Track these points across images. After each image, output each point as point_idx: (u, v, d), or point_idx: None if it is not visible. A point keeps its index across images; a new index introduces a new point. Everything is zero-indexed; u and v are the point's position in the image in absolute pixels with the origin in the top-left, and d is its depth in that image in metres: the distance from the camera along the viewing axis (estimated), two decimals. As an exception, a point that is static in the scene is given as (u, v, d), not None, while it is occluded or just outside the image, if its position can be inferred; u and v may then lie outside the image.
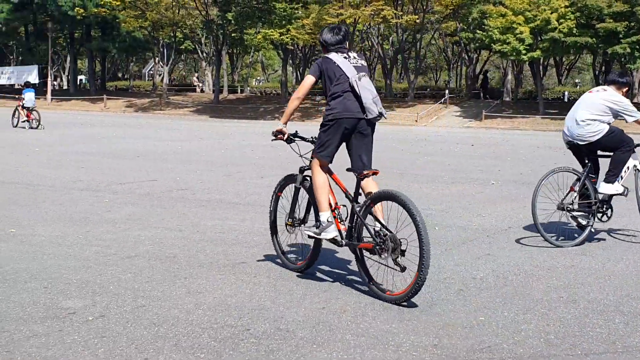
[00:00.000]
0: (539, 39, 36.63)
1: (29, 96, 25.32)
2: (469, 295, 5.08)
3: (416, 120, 37.68)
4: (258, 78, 78.04)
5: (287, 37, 41.36)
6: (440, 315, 4.59)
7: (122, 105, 48.34)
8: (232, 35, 49.31)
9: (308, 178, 5.62)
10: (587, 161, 7.32)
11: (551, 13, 35.34)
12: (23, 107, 25.11)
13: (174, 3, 47.75)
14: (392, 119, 38.49)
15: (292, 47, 48.40)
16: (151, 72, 75.12)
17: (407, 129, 32.46)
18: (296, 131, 5.81)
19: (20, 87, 54.51)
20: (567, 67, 59.31)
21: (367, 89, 5.32)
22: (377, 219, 5.08)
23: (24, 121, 25.06)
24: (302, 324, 4.33)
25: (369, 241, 5.03)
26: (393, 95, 47.01)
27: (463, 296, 5.04)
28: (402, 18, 40.63)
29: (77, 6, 47.04)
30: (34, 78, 51.16)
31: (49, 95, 50.52)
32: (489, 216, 8.47)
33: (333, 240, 5.28)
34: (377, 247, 4.94)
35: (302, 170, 5.74)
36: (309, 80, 5.46)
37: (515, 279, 5.56)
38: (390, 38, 51.87)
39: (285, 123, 5.67)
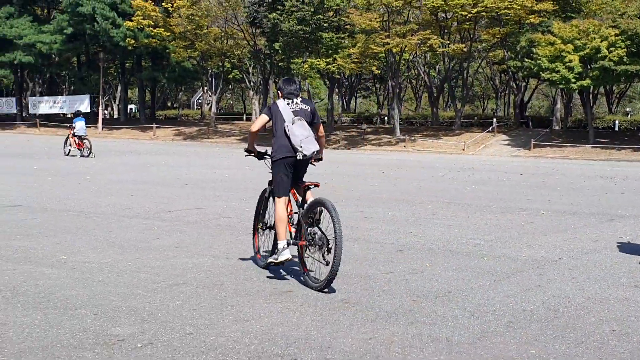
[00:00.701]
0: (589, 67, 36.21)
1: (79, 125, 25.89)
2: (519, 327, 4.98)
3: (463, 149, 37.44)
4: (304, 107, 78.57)
5: (333, 66, 41.63)
6: (489, 348, 4.51)
7: (171, 134, 49.10)
8: (279, 64, 49.87)
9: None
10: None
11: (601, 41, 34.93)
12: (74, 136, 25.68)
13: (222, 34, 48.55)
14: (438, 147, 38.33)
15: (339, 76, 48.68)
16: (199, 101, 76.31)
17: (454, 158, 32.26)
18: (266, 150, 6.79)
19: (72, 116, 55.89)
20: (618, 96, 58.44)
21: (298, 132, 6.27)
22: (311, 225, 6.11)
23: (71, 148, 25.57)
24: (349, 355, 4.30)
25: (309, 239, 6.12)
26: (440, 124, 46.83)
27: (513, 328, 4.95)
28: (449, 47, 40.60)
29: (128, 37, 48.14)
30: (85, 107, 52.37)
31: (100, 124, 51.61)
32: (538, 247, 8.33)
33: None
34: (309, 244, 6.07)
35: (270, 183, 6.77)
36: (263, 118, 6.52)
37: (566, 312, 5.44)
38: (437, 66, 51.83)
39: (251, 149, 6.86)
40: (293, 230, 6.38)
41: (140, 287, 5.86)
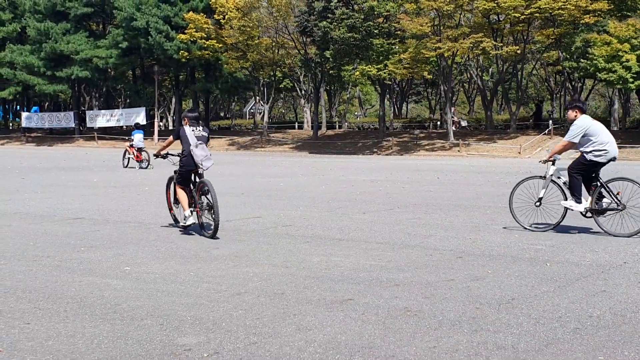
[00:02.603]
0: (647, 66, 35.37)
1: (138, 137, 26.39)
2: (586, 334, 4.89)
3: (519, 152, 36.91)
4: (356, 113, 78.59)
5: (384, 73, 41.53)
6: (556, 356, 4.44)
7: (224, 144, 49.64)
8: (330, 72, 50.00)
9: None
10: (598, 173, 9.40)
11: (659, 39, 34.11)
12: (132, 147, 26.17)
13: (273, 44, 48.92)
14: (493, 151, 37.88)
15: (390, 82, 48.55)
16: (252, 110, 77.00)
17: (510, 162, 31.84)
18: (167, 152, 10.28)
19: (127, 128, 56.95)
20: (678, 94, 56.83)
21: (199, 153, 9.39)
22: (201, 197, 9.46)
23: (130, 160, 26.06)
24: (414, 363, 4.27)
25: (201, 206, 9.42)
26: (494, 127, 46.27)
27: (580, 335, 4.86)
28: (502, 49, 40.10)
29: (181, 50, 48.88)
30: (141, 119, 53.32)
31: (155, 136, 52.47)
32: (602, 251, 8.15)
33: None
34: (202, 209, 9.38)
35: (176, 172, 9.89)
36: (170, 140, 9.86)
37: (634, 317, 5.32)
38: (490, 69, 51.26)
39: (161, 153, 10.39)
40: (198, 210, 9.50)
41: (204, 296, 5.94)
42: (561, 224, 9.77)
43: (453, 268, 7.16)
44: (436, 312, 5.47)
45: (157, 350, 4.50)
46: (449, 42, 38.86)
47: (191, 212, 9.42)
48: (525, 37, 42.17)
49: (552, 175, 9.58)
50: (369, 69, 41.55)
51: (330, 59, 45.49)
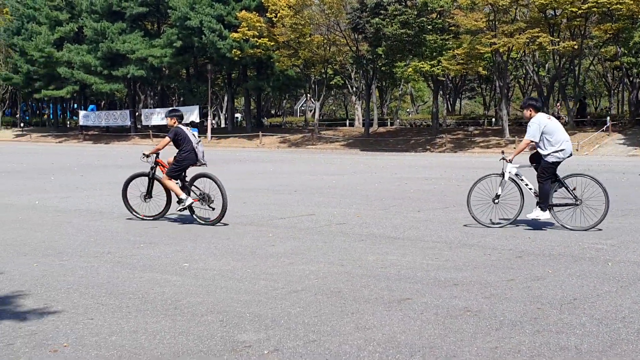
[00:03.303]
0: None
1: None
2: (653, 336, 4.76)
3: (577, 149, 36.19)
4: (408, 110, 78.16)
5: (438, 69, 41.18)
6: (621, 356, 4.35)
7: (276, 141, 49.89)
8: (382, 69, 49.81)
9: (158, 173, 10.86)
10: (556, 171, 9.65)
11: None
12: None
13: (325, 41, 48.95)
14: (549, 148, 37.24)
15: (443, 78, 48.12)
16: (303, 108, 77.24)
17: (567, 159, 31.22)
18: (149, 153, 10.85)
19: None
20: None
21: (200, 149, 10.52)
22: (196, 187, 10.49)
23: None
24: (476, 364, 4.22)
25: (195, 197, 10.38)
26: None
27: (646, 337, 4.74)
28: (558, 44, 39.36)
29: (234, 48, 49.27)
30: (195, 117, 53.95)
31: (208, 133, 53.06)
32: (666, 251, 7.94)
33: (189, 207, 10.34)
34: (200, 200, 10.31)
35: (152, 168, 10.90)
36: (167, 140, 10.56)
37: (702, 320, 5.16)
38: (546, 65, 50.39)
39: (151, 154, 10.84)
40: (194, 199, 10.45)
41: (261, 293, 5.97)
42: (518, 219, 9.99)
43: (512, 267, 7.06)
44: (497, 312, 5.40)
45: (218, 347, 4.54)
46: (505, 38, 38.31)
47: (185, 196, 10.28)
48: (582, 32, 41.33)
49: (509, 172, 9.87)
50: (422, 65, 41.23)
51: (383, 56, 45.32)
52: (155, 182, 10.89)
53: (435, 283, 6.36)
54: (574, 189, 9.60)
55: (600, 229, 9.44)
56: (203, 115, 57.63)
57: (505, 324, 5.09)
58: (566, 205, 9.63)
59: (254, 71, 57.86)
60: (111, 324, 5.07)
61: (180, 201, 10.29)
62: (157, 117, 60.11)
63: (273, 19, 47.38)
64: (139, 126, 63.43)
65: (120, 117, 63.35)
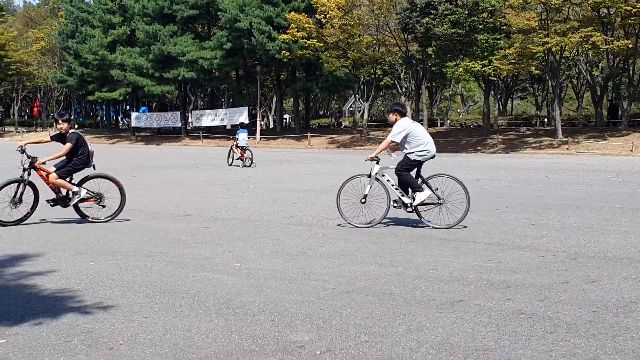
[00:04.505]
0: None
1: (242, 136, 26.95)
2: None
3: (631, 150, 35.40)
4: (458, 110, 77.47)
5: (489, 69, 40.69)
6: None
7: (324, 142, 49.95)
8: (432, 69, 49.44)
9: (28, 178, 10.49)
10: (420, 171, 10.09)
11: None
12: (237, 147, 26.74)
13: (374, 41, 48.82)
14: (604, 149, 36.50)
15: (495, 78, 47.54)
16: (351, 108, 77.16)
17: (622, 160, 30.58)
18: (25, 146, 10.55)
19: (230, 128, 58.23)
20: None
21: (93, 156, 10.85)
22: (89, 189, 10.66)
23: (237, 159, 26.63)
24: (531, 368, 4.15)
25: (91, 197, 10.69)
26: (604, 125, 44.55)
27: None
28: (612, 44, 38.53)
29: (283, 50, 49.50)
30: (244, 119, 54.35)
31: (257, 135, 53.39)
32: None
33: (76, 206, 10.63)
34: (94, 200, 10.66)
35: (26, 172, 10.47)
36: (70, 145, 10.42)
37: None
38: (600, 64, 49.40)
39: (49, 160, 10.51)
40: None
41: (312, 294, 5.98)
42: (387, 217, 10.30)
43: (567, 270, 6.93)
44: (551, 315, 5.31)
45: (270, 346, 4.56)
46: (557, 37, 37.65)
47: (78, 188, 10.56)
48: (637, 31, 40.38)
49: (376, 173, 10.28)
50: (473, 65, 40.79)
51: (433, 56, 45.00)
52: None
53: (488, 285, 6.28)
54: (437, 189, 10.01)
55: (465, 226, 9.79)
56: (252, 117, 58.02)
57: (560, 327, 5.00)
58: (431, 204, 9.99)
59: (303, 72, 58.02)
60: (165, 323, 5.13)
61: (75, 193, 10.49)
62: (207, 118, 60.76)
63: (322, 20, 47.43)
64: (189, 127, 64.17)
65: (171, 119, 64.19)
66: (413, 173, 10.12)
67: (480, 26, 40.60)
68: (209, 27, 63.17)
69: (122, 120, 79.45)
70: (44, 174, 10.50)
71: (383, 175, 10.33)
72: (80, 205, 10.66)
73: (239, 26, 50.70)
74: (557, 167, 24.79)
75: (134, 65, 57.98)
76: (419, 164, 10.12)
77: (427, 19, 41.38)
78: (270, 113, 74.64)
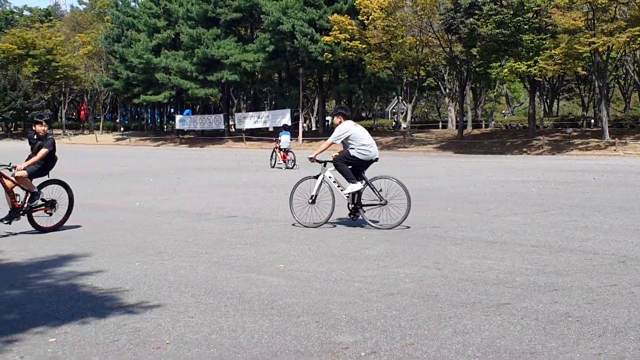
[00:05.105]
0: None
1: (284, 138, 27.06)
2: None
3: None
4: (503, 111, 76.63)
5: (534, 69, 40.16)
6: None
7: (368, 144, 49.77)
8: (476, 69, 49.02)
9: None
10: (363, 172, 10.49)
11: None
12: (279, 149, 26.85)
13: (417, 42, 48.58)
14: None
15: (540, 79, 46.90)
16: (394, 110, 76.86)
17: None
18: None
19: (272, 130, 58.49)
20: None
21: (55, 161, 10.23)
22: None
23: (280, 162, 26.75)
24: (580, 372, 4.08)
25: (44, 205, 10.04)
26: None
27: None
28: (661, 43, 37.73)
29: (325, 52, 49.58)
30: (286, 121, 54.55)
31: (300, 137, 53.53)
32: None
33: (28, 213, 9.82)
34: (45, 207, 10.01)
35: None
36: (46, 151, 9.78)
37: None
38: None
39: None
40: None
41: (356, 295, 5.96)
42: (346, 218, 10.68)
43: (615, 273, 6.80)
44: (599, 318, 5.22)
45: (315, 348, 4.57)
46: (604, 37, 37.01)
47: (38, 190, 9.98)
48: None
49: (324, 175, 10.71)
50: (518, 66, 40.31)
51: (477, 56, 44.58)
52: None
53: (535, 288, 6.20)
54: (380, 190, 10.24)
55: (408, 227, 9.98)
56: (294, 119, 58.18)
57: (608, 330, 4.91)
58: (373, 205, 10.28)
59: (345, 74, 58.04)
60: (211, 323, 5.17)
61: (37, 194, 9.85)
62: (250, 120, 61.17)
63: (365, 21, 47.38)
64: (232, 130, 64.66)
65: (215, 121, 64.77)
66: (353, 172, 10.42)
67: (525, 26, 40.11)
68: (251, 29, 63.63)
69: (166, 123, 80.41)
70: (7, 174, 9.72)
71: (330, 177, 10.69)
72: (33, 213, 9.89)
73: (282, 29, 50.94)
74: (604, 168, 24.36)
75: (178, 68, 58.66)
76: (358, 162, 10.41)
77: (471, 19, 41.04)
78: (313, 115, 74.78)
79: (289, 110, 57.77)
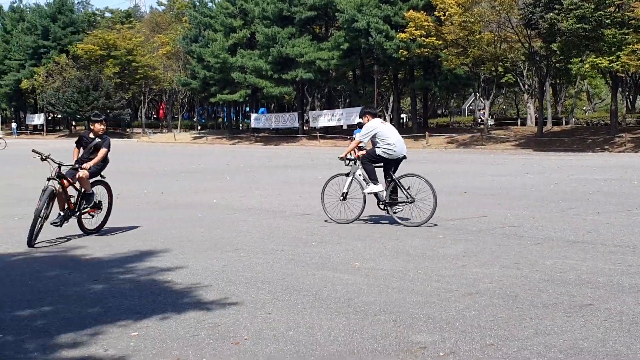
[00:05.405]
0: None
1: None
2: None
3: None
4: (584, 108, 74.60)
5: (617, 65, 38.91)
6: None
7: (443, 142, 49.28)
8: (556, 65, 47.81)
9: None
10: (392, 171, 10.44)
11: None
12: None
13: (495, 38, 47.74)
14: None
15: (623, 74, 45.40)
16: (471, 107, 75.83)
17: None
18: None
19: (346, 128, 58.48)
20: None
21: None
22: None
23: (351, 159, 26.67)
24: (670, 378, 3.93)
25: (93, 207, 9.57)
26: None
27: None
28: None
29: (401, 48, 49.24)
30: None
31: (375, 134, 53.24)
32: None
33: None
34: (93, 208, 9.55)
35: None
36: (105, 151, 9.46)
37: None
38: None
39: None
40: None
41: (434, 295, 5.90)
42: (373, 215, 10.84)
43: None
44: (690, 323, 5.01)
45: (392, 346, 4.53)
46: (691, 30, 35.55)
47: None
48: None
49: (354, 173, 10.86)
50: (599, 61, 39.11)
51: (557, 52, 43.45)
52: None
53: (618, 289, 6.00)
54: (409, 188, 10.30)
55: (435, 224, 9.99)
56: (369, 117, 57.86)
57: (701, 336, 4.70)
58: (402, 202, 10.37)
59: (421, 71, 57.50)
60: (288, 319, 5.20)
61: (92, 195, 9.53)
62: (324, 118, 61.31)
63: (441, 17, 46.85)
64: (306, 128, 64.97)
65: (289, 119, 65.20)
66: (380, 171, 10.51)
67: (607, 21, 38.88)
68: (326, 28, 63.73)
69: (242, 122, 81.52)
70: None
71: (360, 175, 10.83)
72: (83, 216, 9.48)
73: (357, 26, 50.83)
74: (693, 166, 23.40)
75: (254, 67, 59.28)
76: (383, 161, 10.45)
77: (551, 14, 40.04)
78: (387, 113, 74.43)
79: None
